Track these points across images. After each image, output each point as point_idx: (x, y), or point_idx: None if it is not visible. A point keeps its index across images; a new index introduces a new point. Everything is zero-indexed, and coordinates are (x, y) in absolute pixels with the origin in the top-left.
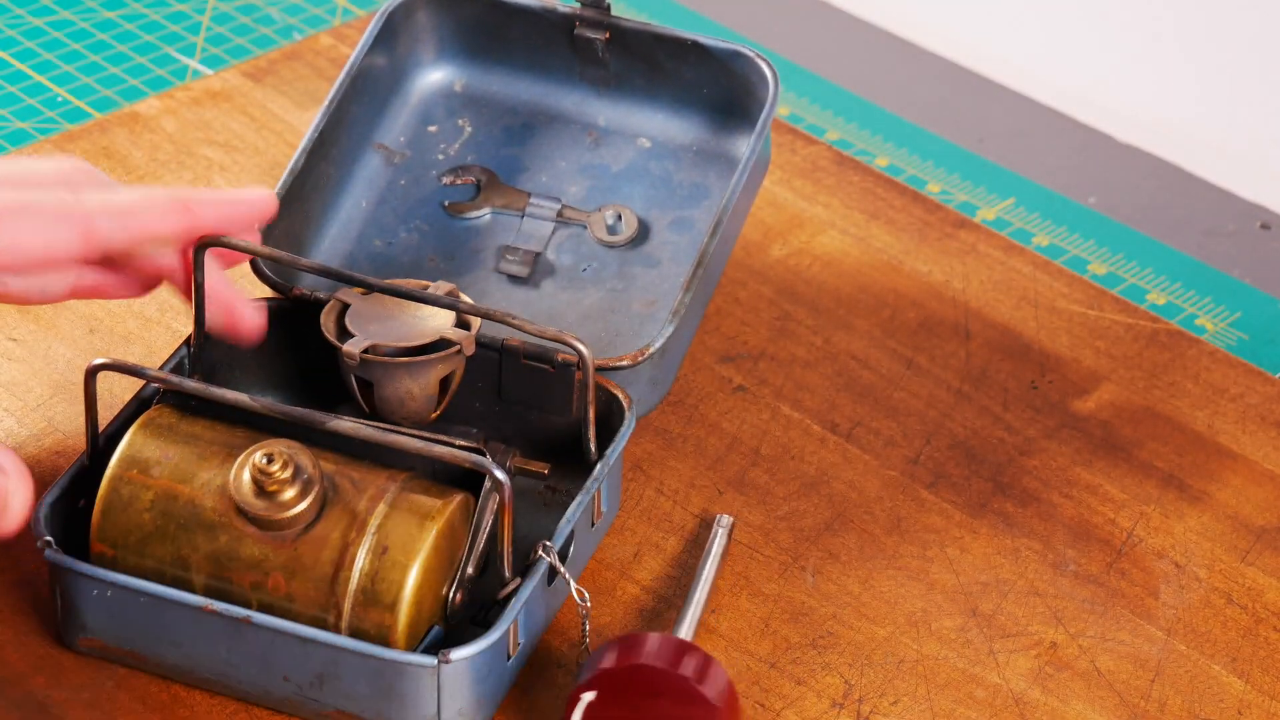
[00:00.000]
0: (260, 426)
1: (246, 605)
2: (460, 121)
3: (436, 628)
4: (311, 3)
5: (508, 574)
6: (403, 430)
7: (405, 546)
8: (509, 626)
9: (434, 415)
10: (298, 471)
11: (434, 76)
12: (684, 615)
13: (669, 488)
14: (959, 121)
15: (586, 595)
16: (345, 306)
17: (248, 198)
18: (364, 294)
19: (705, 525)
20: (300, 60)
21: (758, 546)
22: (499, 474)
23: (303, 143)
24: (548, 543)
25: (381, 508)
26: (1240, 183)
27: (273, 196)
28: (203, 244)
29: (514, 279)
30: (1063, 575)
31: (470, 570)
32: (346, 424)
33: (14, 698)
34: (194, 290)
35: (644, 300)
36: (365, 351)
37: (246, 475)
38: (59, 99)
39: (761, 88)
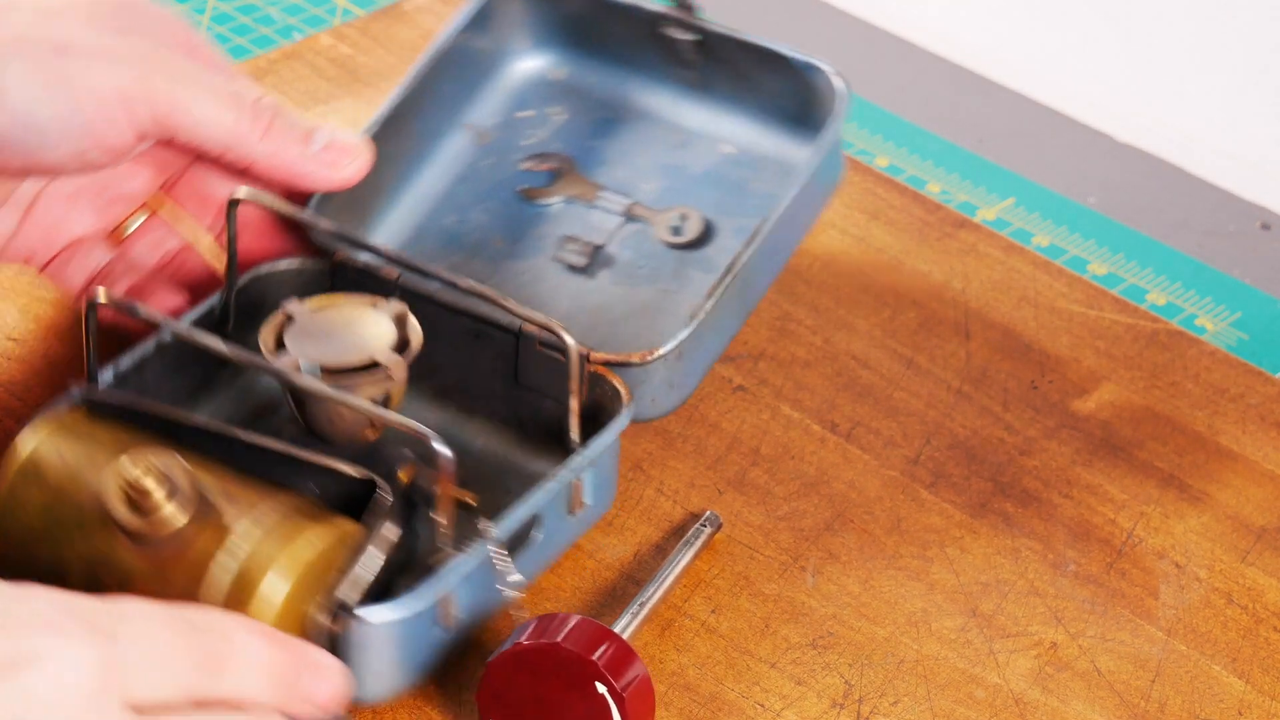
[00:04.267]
0: (174, 432)
1: None
2: (550, 110)
3: None
4: (311, 3)
5: (446, 546)
6: (295, 449)
7: (271, 568)
8: (435, 596)
9: (372, 435)
10: (168, 483)
11: (529, 64)
12: (631, 606)
13: (669, 487)
14: (959, 121)
15: (523, 582)
16: (289, 320)
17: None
18: (315, 310)
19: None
20: (300, 60)
21: (758, 546)
22: (439, 446)
23: (377, 113)
24: (486, 521)
25: (253, 529)
26: (1240, 183)
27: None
28: (235, 200)
29: (571, 268)
30: (1063, 575)
31: (352, 598)
32: (250, 436)
33: None
34: (227, 244)
35: (693, 304)
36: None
37: (116, 484)
38: None
39: (831, 103)
